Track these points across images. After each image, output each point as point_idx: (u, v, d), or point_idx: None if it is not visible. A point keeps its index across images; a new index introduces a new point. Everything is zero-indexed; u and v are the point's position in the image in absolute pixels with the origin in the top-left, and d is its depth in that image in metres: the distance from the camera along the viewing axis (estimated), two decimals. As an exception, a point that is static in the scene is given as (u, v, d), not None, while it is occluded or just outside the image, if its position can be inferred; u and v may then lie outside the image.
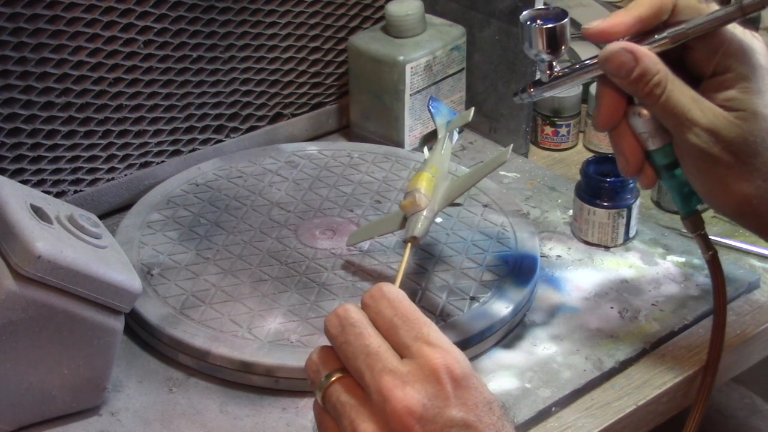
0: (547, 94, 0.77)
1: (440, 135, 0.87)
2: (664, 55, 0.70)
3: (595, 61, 0.72)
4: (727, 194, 0.71)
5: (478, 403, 0.57)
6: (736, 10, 0.67)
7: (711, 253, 0.75)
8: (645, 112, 0.71)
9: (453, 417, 0.56)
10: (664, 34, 0.70)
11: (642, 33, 0.70)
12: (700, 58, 0.70)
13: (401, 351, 0.58)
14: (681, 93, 0.69)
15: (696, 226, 0.75)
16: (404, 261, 0.72)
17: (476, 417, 0.57)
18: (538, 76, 0.77)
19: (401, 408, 0.56)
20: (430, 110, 0.90)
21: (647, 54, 0.69)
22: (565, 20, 0.72)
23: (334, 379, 0.59)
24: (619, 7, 1.31)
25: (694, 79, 0.71)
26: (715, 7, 0.69)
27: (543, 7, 0.74)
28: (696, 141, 0.69)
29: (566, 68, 0.74)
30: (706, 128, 0.69)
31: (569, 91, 1.08)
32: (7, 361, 0.69)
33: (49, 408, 0.73)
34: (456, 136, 0.88)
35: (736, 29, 0.69)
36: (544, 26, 0.72)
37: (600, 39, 0.71)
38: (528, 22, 0.73)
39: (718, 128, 0.69)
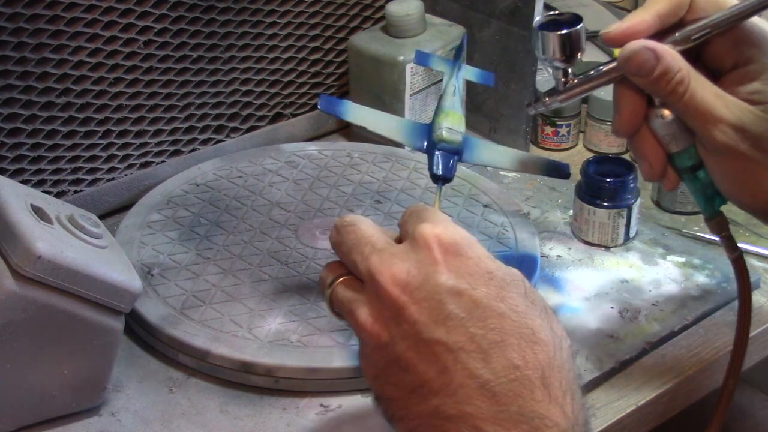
0: (563, 104, 0.74)
1: (445, 79, 0.87)
2: (682, 52, 0.67)
3: (610, 66, 0.69)
4: (757, 191, 0.68)
5: (474, 272, 0.56)
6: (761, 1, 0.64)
7: (737, 254, 0.72)
8: (667, 113, 0.68)
9: (442, 283, 0.55)
10: (686, 30, 0.67)
11: (661, 31, 0.68)
12: (720, 51, 0.68)
13: (406, 239, 0.59)
14: (704, 89, 0.66)
15: (721, 228, 0.72)
16: (437, 200, 0.77)
17: (469, 285, 0.56)
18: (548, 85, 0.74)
19: (387, 279, 0.56)
20: (421, 65, 0.90)
21: (668, 51, 0.66)
22: (580, 26, 0.69)
23: (337, 282, 0.60)
24: (619, 7, 1.32)
25: (713, 74, 0.68)
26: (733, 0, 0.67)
27: (556, 12, 0.71)
28: (723, 138, 0.66)
29: (581, 75, 0.71)
30: (733, 124, 0.66)
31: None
32: (7, 361, 0.69)
33: (49, 408, 0.73)
34: (462, 71, 0.88)
35: (754, 18, 0.67)
36: (558, 33, 0.69)
37: (622, 41, 0.67)
38: (541, 29, 0.69)
39: (745, 124, 0.66)
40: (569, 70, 0.71)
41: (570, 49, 0.69)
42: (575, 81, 0.72)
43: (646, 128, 0.69)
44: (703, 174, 0.70)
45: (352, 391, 0.77)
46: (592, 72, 0.71)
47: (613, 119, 0.71)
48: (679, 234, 0.94)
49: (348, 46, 1.08)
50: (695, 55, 0.68)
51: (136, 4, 0.94)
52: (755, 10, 0.66)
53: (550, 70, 0.72)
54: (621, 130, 0.70)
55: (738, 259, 0.72)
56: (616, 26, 0.68)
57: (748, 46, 0.67)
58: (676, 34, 0.68)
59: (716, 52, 0.68)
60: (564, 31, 0.69)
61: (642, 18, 0.67)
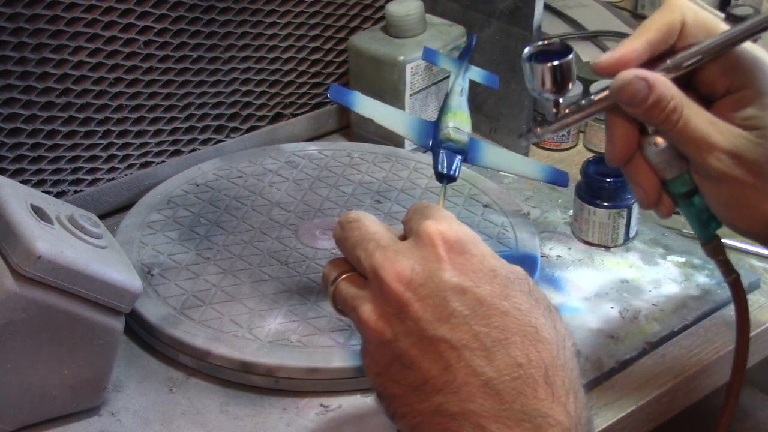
0: (555, 134, 0.74)
1: (452, 77, 0.88)
2: (673, 79, 0.66)
3: (602, 95, 0.69)
4: (753, 217, 0.67)
5: (478, 269, 0.56)
6: (756, 24, 0.64)
7: (734, 276, 0.71)
8: (660, 140, 0.67)
9: (446, 281, 0.55)
10: (677, 58, 0.66)
11: (652, 59, 0.67)
12: (712, 77, 0.67)
13: (410, 236, 0.59)
14: (698, 117, 0.65)
15: (717, 252, 0.71)
16: (441, 199, 0.78)
17: (473, 282, 0.56)
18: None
19: (391, 275, 0.56)
20: (428, 62, 0.90)
21: (660, 80, 0.65)
22: (570, 57, 0.68)
23: (340, 279, 0.60)
24: (620, 8, 1.32)
25: (705, 100, 0.67)
26: (723, 25, 0.66)
27: (545, 42, 0.70)
28: (718, 165, 0.65)
29: (573, 104, 0.70)
30: (727, 151, 0.65)
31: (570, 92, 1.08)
32: (7, 361, 0.69)
33: (49, 408, 0.73)
34: (468, 71, 0.89)
35: (746, 43, 0.66)
36: (549, 65, 0.68)
37: (613, 71, 0.67)
38: (530, 60, 0.69)
39: (739, 150, 0.65)
40: (560, 101, 0.70)
41: (561, 80, 0.68)
42: (567, 111, 0.71)
43: (640, 156, 0.69)
44: (698, 200, 0.69)
45: (353, 391, 0.77)
46: (583, 101, 0.70)
47: (606, 148, 0.70)
48: (679, 234, 0.94)
49: (348, 46, 1.08)
50: (687, 82, 0.68)
51: (136, 4, 0.93)
52: (746, 36, 0.65)
53: (541, 101, 0.71)
54: (614, 159, 0.69)
55: (735, 282, 0.72)
56: (607, 55, 0.67)
57: (741, 71, 0.66)
58: (668, 62, 0.67)
59: (708, 78, 0.67)
60: (555, 63, 0.68)
61: (632, 46, 0.67)
